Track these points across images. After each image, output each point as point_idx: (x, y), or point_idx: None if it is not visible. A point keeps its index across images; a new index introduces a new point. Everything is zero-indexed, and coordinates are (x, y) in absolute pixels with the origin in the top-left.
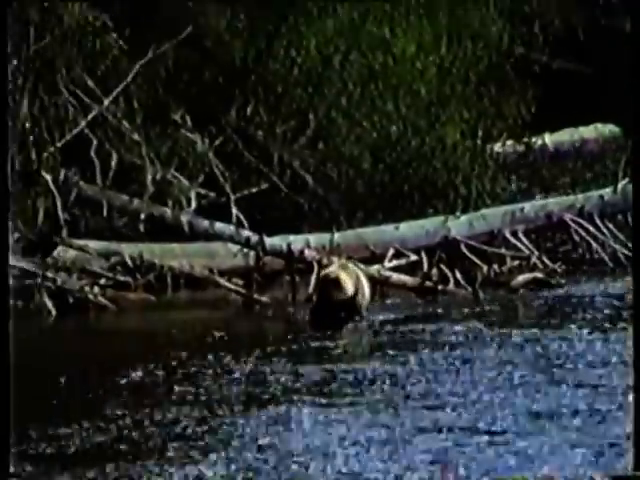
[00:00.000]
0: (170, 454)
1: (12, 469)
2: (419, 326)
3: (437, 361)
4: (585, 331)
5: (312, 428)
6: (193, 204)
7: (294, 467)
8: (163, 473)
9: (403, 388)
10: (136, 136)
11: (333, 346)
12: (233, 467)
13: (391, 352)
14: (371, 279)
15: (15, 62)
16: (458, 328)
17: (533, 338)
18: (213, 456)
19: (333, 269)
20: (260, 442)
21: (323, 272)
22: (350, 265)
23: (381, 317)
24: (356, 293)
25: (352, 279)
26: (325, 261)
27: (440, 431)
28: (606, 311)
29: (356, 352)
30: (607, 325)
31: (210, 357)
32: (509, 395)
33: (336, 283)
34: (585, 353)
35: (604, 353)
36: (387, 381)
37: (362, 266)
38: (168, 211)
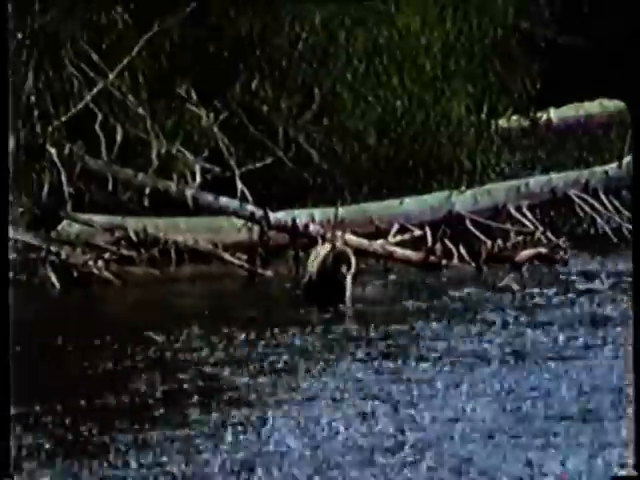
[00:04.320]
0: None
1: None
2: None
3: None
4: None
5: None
6: (198, 178)
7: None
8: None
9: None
10: (141, 110)
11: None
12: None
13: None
14: (375, 254)
15: (20, 36)
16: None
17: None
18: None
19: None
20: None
21: (333, 247)
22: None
23: None
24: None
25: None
26: (330, 236)
27: None
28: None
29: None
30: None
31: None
32: None
33: (348, 259)
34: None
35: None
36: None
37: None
38: (173, 185)
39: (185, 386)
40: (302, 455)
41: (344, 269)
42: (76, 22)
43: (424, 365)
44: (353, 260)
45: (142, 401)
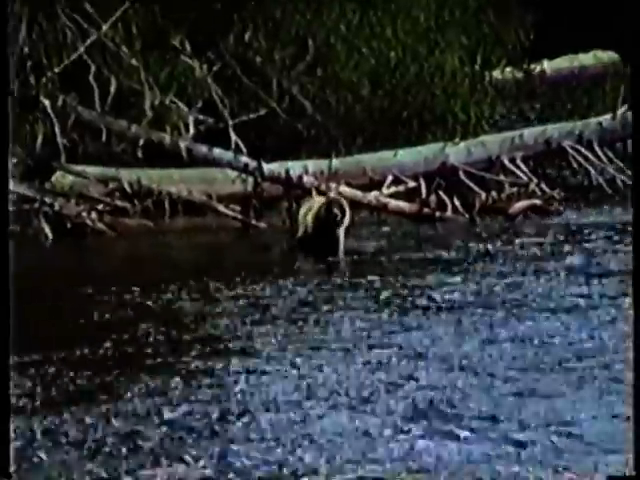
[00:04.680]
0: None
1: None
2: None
3: None
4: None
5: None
6: (191, 130)
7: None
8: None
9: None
10: (135, 61)
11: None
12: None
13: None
14: (369, 205)
15: None
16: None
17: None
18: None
19: (335, 197)
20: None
21: (327, 198)
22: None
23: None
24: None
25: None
26: (323, 187)
27: None
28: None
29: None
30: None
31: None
32: None
33: (342, 209)
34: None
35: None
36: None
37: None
38: (167, 137)
39: (183, 336)
40: (301, 404)
41: (339, 219)
42: None
43: (424, 314)
44: (348, 210)
45: (139, 350)
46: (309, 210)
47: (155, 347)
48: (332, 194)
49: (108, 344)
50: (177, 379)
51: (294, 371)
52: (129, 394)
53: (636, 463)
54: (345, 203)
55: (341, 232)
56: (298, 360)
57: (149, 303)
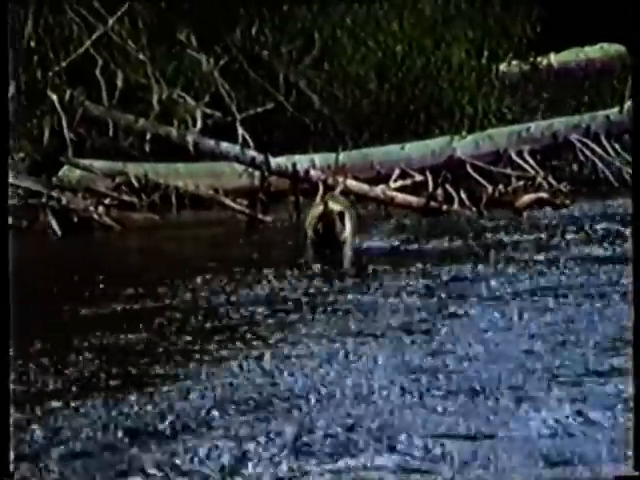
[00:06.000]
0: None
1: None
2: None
3: None
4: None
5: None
6: (199, 124)
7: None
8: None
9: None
10: (141, 56)
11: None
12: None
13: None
14: (376, 199)
15: None
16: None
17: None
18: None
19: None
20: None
21: (325, 207)
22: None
23: None
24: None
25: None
26: (330, 181)
27: None
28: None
29: None
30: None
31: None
32: None
33: (341, 218)
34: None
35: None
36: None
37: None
38: (174, 131)
39: (196, 327)
40: (310, 393)
41: (338, 229)
42: None
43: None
44: (347, 219)
45: (147, 341)
46: (312, 219)
47: (169, 338)
48: (330, 204)
49: (121, 336)
50: (195, 368)
51: (309, 361)
52: (134, 384)
53: (636, 463)
54: (345, 209)
55: (346, 241)
56: (311, 349)
57: (160, 295)
